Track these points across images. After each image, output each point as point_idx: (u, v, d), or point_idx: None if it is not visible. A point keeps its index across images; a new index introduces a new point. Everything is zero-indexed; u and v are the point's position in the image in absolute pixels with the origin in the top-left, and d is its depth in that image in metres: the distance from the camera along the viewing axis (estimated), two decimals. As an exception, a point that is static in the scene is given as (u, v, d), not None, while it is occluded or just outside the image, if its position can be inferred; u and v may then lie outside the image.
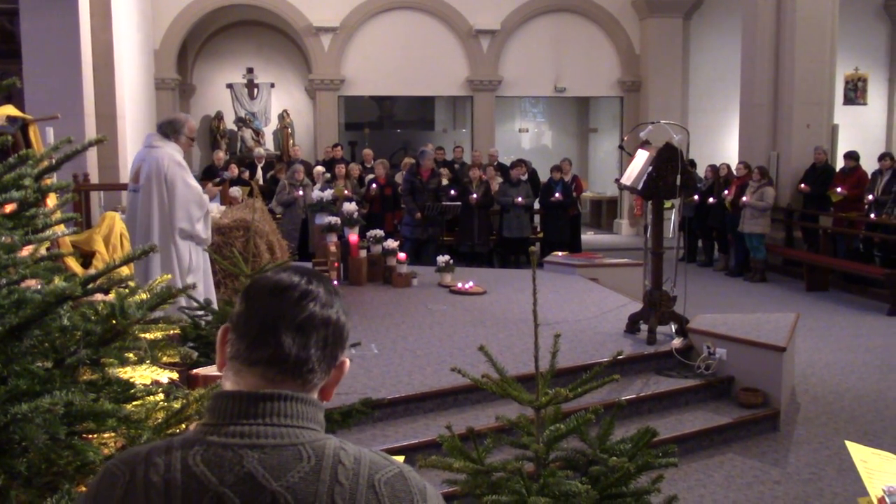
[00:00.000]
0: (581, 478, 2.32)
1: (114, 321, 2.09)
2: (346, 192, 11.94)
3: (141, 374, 2.24)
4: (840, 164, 12.93)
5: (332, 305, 1.33)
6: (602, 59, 17.41)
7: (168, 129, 5.65)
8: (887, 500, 1.97)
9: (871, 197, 12.14)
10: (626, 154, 8.22)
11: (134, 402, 2.17)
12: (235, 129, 18.02)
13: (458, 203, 12.97)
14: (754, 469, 5.46)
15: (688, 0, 17.01)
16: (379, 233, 9.97)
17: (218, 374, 2.74)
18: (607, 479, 2.31)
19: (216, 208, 7.61)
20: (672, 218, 7.99)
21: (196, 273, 5.39)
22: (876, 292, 10.75)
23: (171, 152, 5.60)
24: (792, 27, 12.82)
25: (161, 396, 2.26)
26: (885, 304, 10.33)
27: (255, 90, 18.10)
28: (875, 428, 6.24)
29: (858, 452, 2.16)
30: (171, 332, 2.39)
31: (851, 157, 12.53)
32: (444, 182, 13.28)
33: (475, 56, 17.01)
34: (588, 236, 16.74)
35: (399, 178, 13.64)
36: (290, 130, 17.96)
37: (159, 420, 2.18)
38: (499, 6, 16.88)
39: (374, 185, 13.00)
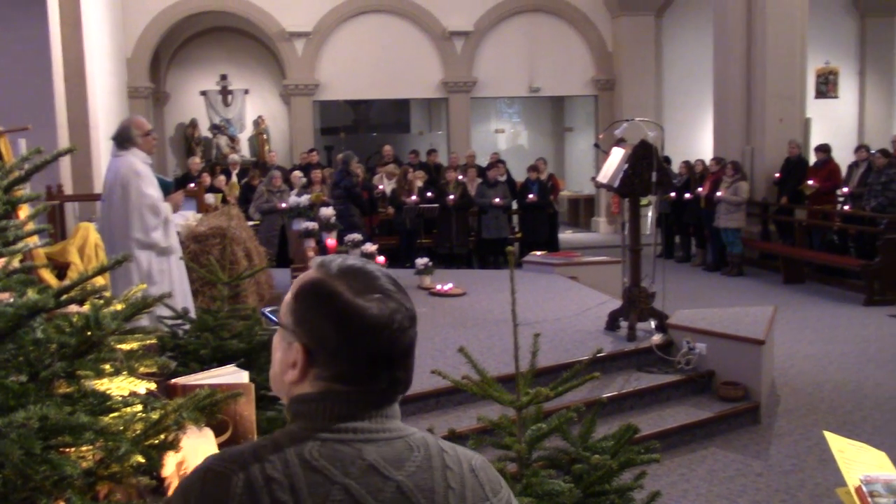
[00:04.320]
0: (564, 477, 2.32)
1: (89, 332, 2.07)
2: (323, 197, 11.90)
3: (118, 386, 2.22)
4: (814, 157, 13.05)
5: (414, 318, 1.35)
6: (575, 58, 17.47)
7: (120, 139, 5.59)
8: (864, 489, 1.99)
9: (845, 189, 12.26)
10: (601, 152, 8.25)
11: (111, 415, 2.15)
12: (210, 136, 17.93)
13: (436, 205, 12.96)
14: (736, 462, 5.50)
15: (659, -2, 17.12)
16: (357, 237, 9.94)
17: (197, 383, 2.71)
18: (590, 477, 2.31)
19: (192, 216, 7.56)
20: (649, 215, 8.04)
21: (161, 283, 5.32)
22: (852, 283, 10.86)
23: (131, 160, 5.53)
24: (763, 22, 12.93)
25: (139, 407, 2.24)
26: (860, 294, 10.43)
27: (229, 97, 18.02)
28: (854, 418, 6.30)
29: (836, 443, 2.18)
30: (148, 342, 2.37)
31: (822, 150, 12.64)
32: (420, 184, 13.27)
33: (449, 58, 17.02)
34: (566, 235, 16.79)
35: (377, 180, 13.64)
36: (265, 136, 17.89)
37: (138, 431, 2.16)
38: (471, 7, 16.90)
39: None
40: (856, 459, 2.09)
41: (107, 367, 2.20)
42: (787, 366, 7.58)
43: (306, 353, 1.30)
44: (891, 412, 6.41)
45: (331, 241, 9.67)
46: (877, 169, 11.47)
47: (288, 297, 1.36)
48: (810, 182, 12.28)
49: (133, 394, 2.28)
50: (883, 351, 8.12)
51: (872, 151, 12.17)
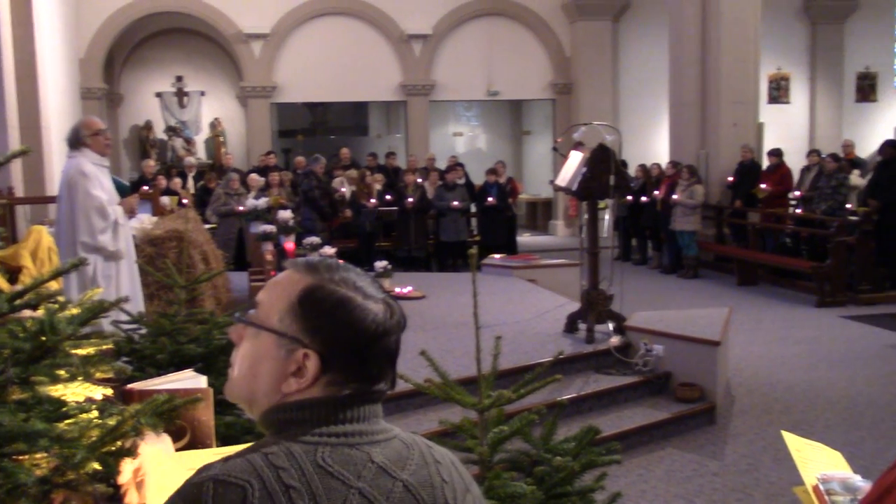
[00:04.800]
0: (526, 479, 2.33)
1: (43, 338, 2.03)
2: (281, 200, 11.81)
3: (73, 392, 2.18)
4: (766, 161, 13.27)
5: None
6: (533, 62, 17.58)
7: (71, 140, 5.50)
8: (821, 487, 2.02)
9: (797, 193, 12.49)
10: (560, 156, 8.30)
11: (67, 421, 2.11)
12: (165, 138, 17.69)
13: (395, 208, 12.95)
14: (693, 462, 5.56)
15: (616, 3, 17.28)
16: (316, 240, 9.88)
17: (155, 389, 2.67)
18: (552, 479, 2.32)
19: (147, 219, 7.46)
20: (606, 218, 8.11)
21: (107, 289, 5.23)
22: (804, 285, 11.05)
23: (79, 161, 5.44)
24: (717, 29, 13.13)
25: (95, 414, 2.20)
26: (812, 296, 10.62)
27: (185, 98, 17.81)
28: (807, 417, 6.41)
29: (793, 442, 2.21)
30: (104, 347, 2.33)
31: (775, 154, 12.88)
32: (379, 187, 13.25)
33: (408, 61, 17.02)
34: (524, 238, 16.87)
35: (337, 184, 13.57)
36: (221, 139, 17.70)
37: (94, 438, 2.12)
38: (430, 11, 16.92)
39: (307, 192, 12.89)
40: (812, 459, 2.12)
41: (62, 372, 2.16)
42: (742, 366, 7.69)
43: (321, 360, 1.29)
44: (842, 411, 6.54)
45: (289, 244, 9.60)
46: (827, 173, 11.70)
47: (280, 303, 1.31)
48: (763, 186, 12.49)
49: (89, 400, 2.24)
50: (834, 351, 8.28)
51: (823, 156, 12.41)
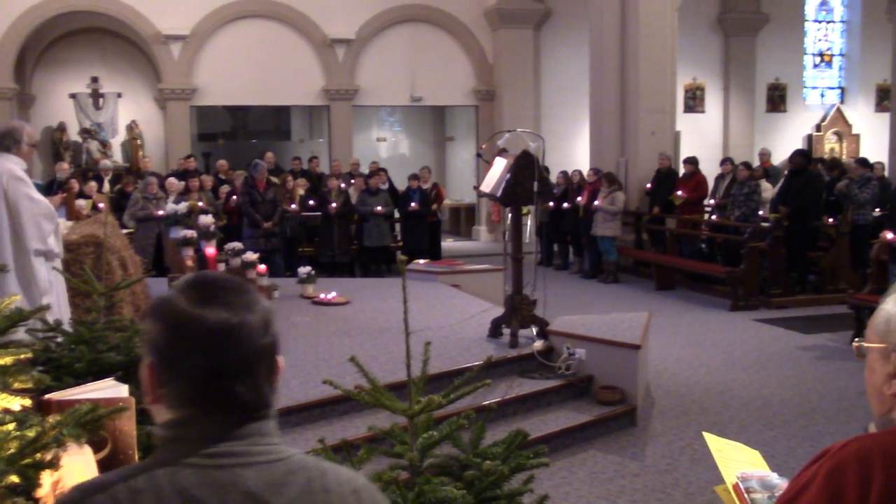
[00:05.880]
0: (456, 483, 2.34)
1: (-41, 348, 1.96)
2: (199, 204, 11.61)
3: (-10, 403, 2.11)
4: (683, 169, 13.62)
5: (266, 325, 1.28)
6: (457, 68, 17.70)
7: (8, 141, 5.32)
8: (741, 486, 2.09)
9: (712, 201, 12.85)
10: (484, 162, 8.37)
11: (-17, 433, 2.04)
12: (80, 140, 17.18)
13: (318, 213, 12.86)
14: (615, 464, 5.67)
15: (537, 11, 17.53)
16: (238, 245, 9.75)
17: (75, 398, 2.60)
18: (482, 483, 2.35)
19: (62, 223, 7.24)
20: (528, 223, 8.20)
21: (50, 293, 5.11)
22: (718, 289, 11.38)
23: (10, 167, 5.27)
24: (635, 39, 13.43)
25: (13, 426, 2.14)
26: (727, 300, 10.94)
27: (101, 100, 17.32)
28: (723, 418, 6.60)
29: (714, 442, 2.28)
30: (23, 356, 2.26)
31: (690, 162, 13.24)
32: (301, 192, 13.15)
33: (331, 65, 16.93)
34: (447, 243, 16.93)
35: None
36: (139, 142, 17.28)
37: (12, 450, 2.06)
38: (353, 15, 16.88)
39: (233, 197, 12.72)
40: (732, 458, 2.19)
41: (-21, 383, 2.09)
42: (661, 369, 7.87)
43: (151, 370, 1.26)
44: (756, 411, 6.76)
45: (210, 249, 9.45)
46: (740, 181, 12.07)
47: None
48: (679, 193, 12.82)
49: (6, 411, 2.18)
50: (748, 354, 8.55)
51: (736, 164, 12.81)
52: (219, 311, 1.24)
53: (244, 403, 1.25)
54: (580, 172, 14.20)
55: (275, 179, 13.21)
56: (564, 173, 14.46)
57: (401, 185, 14.72)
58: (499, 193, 6.94)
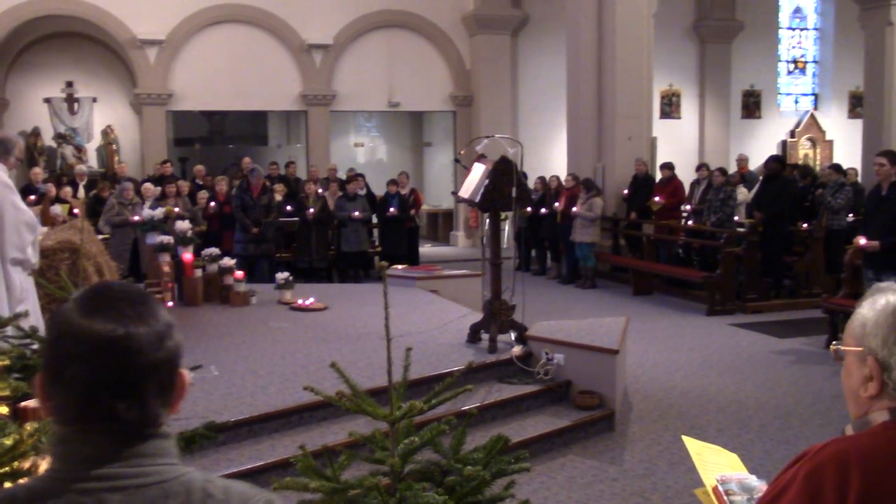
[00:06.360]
0: (437, 489, 2.35)
1: (-64, 355, 1.94)
2: (175, 210, 11.54)
3: (-32, 411, 2.09)
4: (659, 174, 13.72)
5: (161, 339, 1.21)
6: (434, 74, 17.72)
7: (0, 149, 5.28)
8: (720, 488, 2.11)
9: (689, 207, 12.95)
10: (462, 167, 8.38)
11: (-40, 442, 2.02)
12: (55, 145, 17.02)
13: (296, 218, 12.83)
14: (593, 468, 5.69)
15: (515, 18, 17.60)
16: (215, 251, 9.70)
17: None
18: (463, 489, 2.35)
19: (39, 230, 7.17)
20: (506, 229, 8.22)
21: (26, 301, 5.06)
22: (695, 294, 11.45)
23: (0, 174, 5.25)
24: (612, 46, 13.52)
25: (-10, 433, 2.12)
26: (703, 305, 11.02)
27: (76, 105, 17.18)
28: (701, 422, 6.64)
29: (693, 446, 2.30)
30: (1, 363, 2.24)
31: (667, 167, 13.34)
32: (279, 198, 13.11)
33: (308, 70, 16.90)
34: (425, 249, 16.94)
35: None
36: (114, 147, 17.14)
37: (-11, 459, 2.04)
38: (331, 21, 16.86)
39: (212, 203, 12.67)
40: (711, 461, 2.21)
41: (-43, 391, 2.07)
42: (639, 374, 7.91)
43: (40, 381, 1.20)
44: (732, 415, 6.81)
45: (187, 255, 9.39)
46: (716, 186, 12.16)
47: None
48: (657, 198, 12.90)
49: (-17, 419, 2.16)
50: (724, 358, 8.61)
51: (712, 170, 12.91)
52: (105, 322, 1.17)
53: (126, 422, 1.18)
54: (558, 178, 14.25)
55: (273, 185, 13.19)
56: (542, 179, 14.51)
57: (378, 190, 14.71)
58: (477, 199, 6.96)
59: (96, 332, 1.17)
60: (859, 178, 14.46)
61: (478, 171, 7.22)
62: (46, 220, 8.88)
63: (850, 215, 12.06)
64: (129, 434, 1.19)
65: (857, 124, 17.61)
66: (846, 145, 19.34)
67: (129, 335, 1.17)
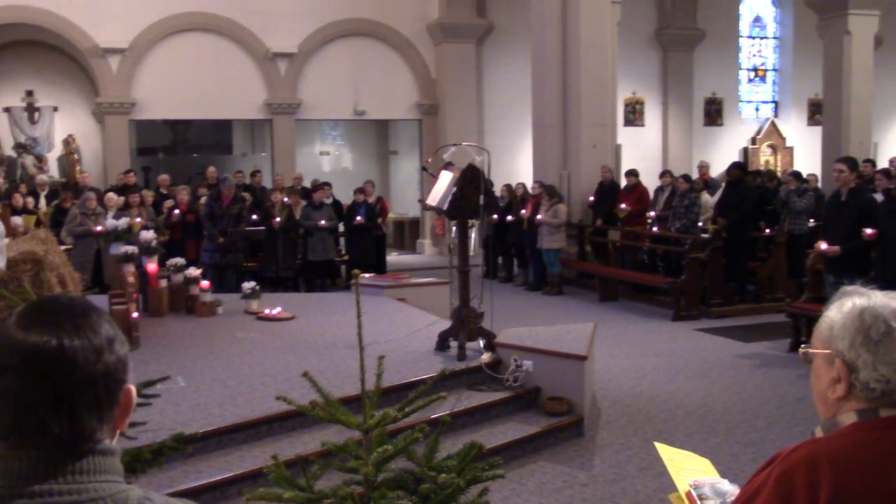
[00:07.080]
0: (411, 497, 2.34)
1: None
2: (138, 220, 11.42)
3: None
4: (624, 181, 13.83)
5: (99, 353, 1.18)
6: (400, 82, 17.74)
7: None
8: (693, 493, 2.13)
9: (653, 213, 13.07)
10: (428, 175, 8.39)
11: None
12: (14, 155, 16.78)
13: (262, 228, 12.75)
14: (563, 474, 5.71)
15: (480, 26, 17.68)
16: (180, 261, 9.61)
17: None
18: (437, 497, 2.35)
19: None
20: (473, 236, 8.24)
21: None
22: (660, 300, 11.55)
23: None
24: (576, 54, 13.62)
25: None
26: (669, 310, 11.12)
27: (36, 114, 16.96)
28: (668, 427, 6.69)
29: (666, 452, 2.32)
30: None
31: (632, 174, 13.46)
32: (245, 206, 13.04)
33: (273, 79, 16.83)
34: (392, 257, 16.92)
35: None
36: (76, 156, 16.93)
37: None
38: (296, 29, 16.81)
39: (175, 212, 12.55)
40: (684, 467, 2.24)
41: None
42: (607, 379, 7.96)
43: None
44: (700, 419, 6.87)
45: (151, 265, 9.29)
46: (680, 193, 12.30)
47: None
48: (623, 206, 13.01)
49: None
50: (690, 363, 8.70)
51: (675, 176, 13.06)
52: (38, 334, 1.15)
53: (57, 437, 1.15)
54: (524, 185, 14.32)
55: (245, 195, 13.12)
56: (508, 186, 14.57)
57: (344, 198, 14.67)
58: (445, 206, 6.97)
59: (29, 344, 1.14)
60: (819, 184, 14.70)
61: (445, 178, 7.23)
62: (8, 231, 8.72)
63: (811, 220, 12.26)
64: (63, 450, 1.16)
65: (817, 131, 17.90)
66: (806, 152, 19.65)
67: (61, 347, 1.14)
